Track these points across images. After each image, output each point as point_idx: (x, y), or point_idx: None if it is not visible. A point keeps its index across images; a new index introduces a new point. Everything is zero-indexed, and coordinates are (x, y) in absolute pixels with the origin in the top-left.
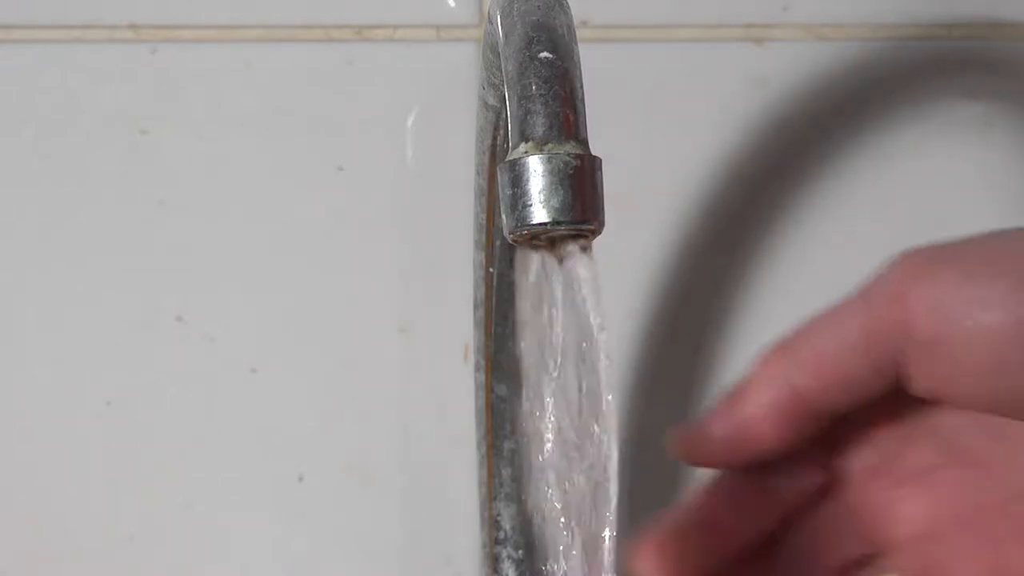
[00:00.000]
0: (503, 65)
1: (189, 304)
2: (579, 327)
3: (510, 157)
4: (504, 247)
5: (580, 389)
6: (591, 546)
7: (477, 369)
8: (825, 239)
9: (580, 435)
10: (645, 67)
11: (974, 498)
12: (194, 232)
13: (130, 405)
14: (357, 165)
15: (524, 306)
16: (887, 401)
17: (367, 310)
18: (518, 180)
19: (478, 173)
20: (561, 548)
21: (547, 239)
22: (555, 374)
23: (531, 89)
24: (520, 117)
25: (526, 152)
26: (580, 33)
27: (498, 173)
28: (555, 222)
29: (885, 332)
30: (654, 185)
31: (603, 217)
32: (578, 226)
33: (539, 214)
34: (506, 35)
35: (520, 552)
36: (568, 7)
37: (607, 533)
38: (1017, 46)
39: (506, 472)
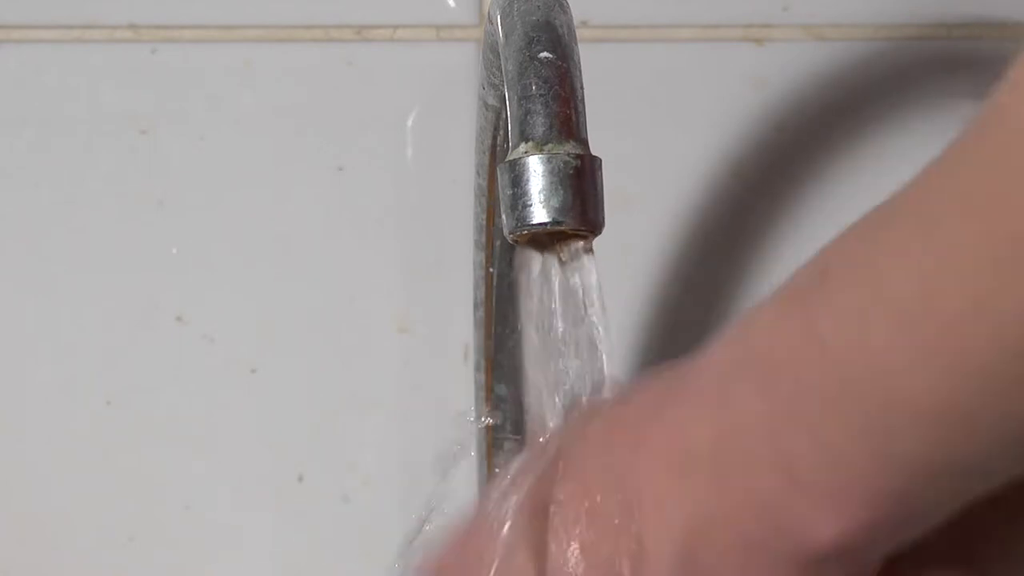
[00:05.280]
0: (503, 65)
1: (189, 304)
2: (580, 327)
3: (510, 157)
4: (504, 247)
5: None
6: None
7: (477, 369)
8: (825, 239)
9: None
10: (645, 67)
11: None
12: (194, 232)
13: (130, 405)
14: (357, 165)
15: (525, 306)
16: None
17: (367, 310)
18: (518, 180)
19: (478, 173)
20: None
21: (547, 239)
22: (555, 374)
23: (531, 89)
24: (520, 117)
25: (526, 152)
26: (580, 33)
27: (498, 173)
28: (555, 222)
29: None
30: (654, 185)
31: (603, 217)
32: (578, 226)
33: (539, 214)
34: (506, 35)
35: None
36: (568, 7)
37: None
38: (1017, 46)
39: None
